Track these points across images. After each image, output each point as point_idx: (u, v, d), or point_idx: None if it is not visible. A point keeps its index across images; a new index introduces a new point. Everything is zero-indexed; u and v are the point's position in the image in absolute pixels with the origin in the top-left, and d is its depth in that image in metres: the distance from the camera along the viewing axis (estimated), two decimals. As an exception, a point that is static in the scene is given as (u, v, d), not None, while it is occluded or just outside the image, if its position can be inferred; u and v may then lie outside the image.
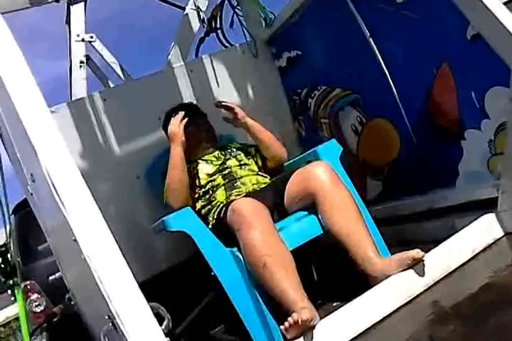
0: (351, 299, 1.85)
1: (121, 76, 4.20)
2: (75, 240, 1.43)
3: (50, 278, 4.36)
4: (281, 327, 1.75)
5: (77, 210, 1.47)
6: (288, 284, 1.89)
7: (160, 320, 1.40)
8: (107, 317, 1.40)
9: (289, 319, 1.72)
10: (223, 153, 2.68)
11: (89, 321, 2.22)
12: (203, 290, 2.35)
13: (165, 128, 2.68)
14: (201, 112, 2.77)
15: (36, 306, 4.33)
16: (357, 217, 2.11)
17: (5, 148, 2.55)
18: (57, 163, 1.52)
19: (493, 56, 1.92)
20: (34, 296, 4.35)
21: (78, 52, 3.96)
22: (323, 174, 2.18)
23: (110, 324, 1.38)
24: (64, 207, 1.44)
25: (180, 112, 2.50)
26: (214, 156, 2.65)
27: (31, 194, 2.09)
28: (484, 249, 2.03)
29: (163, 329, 1.37)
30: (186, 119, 2.49)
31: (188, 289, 2.61)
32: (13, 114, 1.63)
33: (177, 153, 2.44)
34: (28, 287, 4.38)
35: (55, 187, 1.45)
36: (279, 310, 1.91)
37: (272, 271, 1.91)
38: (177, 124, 2.47)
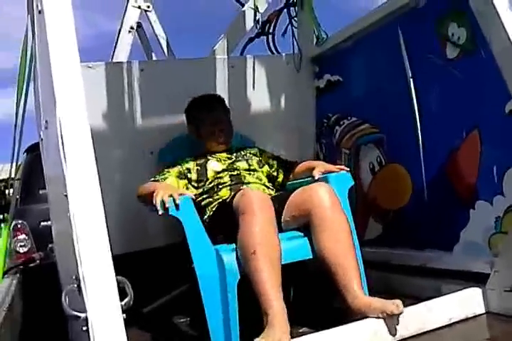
0: (318, 327, 1.87)
1: (165, 52, 4.18)
2: (66, 196, 1.39)
3: (42, 223, 4.34)
4: None
5: (76, 167, 1.44)
6: (269, 279, 1.91)
7: (123, 295, 1.34)
8: (74, 277, 1.36)
9: None
10: (236, 154, 2.67)
11: (60, 276, 2.19)
12: (178, 279, 2.37)
13: (187, 112, 2.74)
14: (226, 108, 2.75)
15: (21, 246, 4.32)
16: (350, 247, 2.07)
17: (33, 90, 2.51)
18: (72, 119, 1.49)
19: None
20: (21, 236, 4.34)
21: (131, 17, 3.97)
22: (325, 197, 2.14)
23: (75, 285, 1.33)
24: (65, 161, 1.40)
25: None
26: (226, 155, 2.64)
27: (42, 139, 2.05)
28: (461, 321, 2.03)
29: (122, 305, 1.32)
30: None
31: (164, 274, 2.63)
32: (46, 60, 1.61)
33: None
34: (19, 226, 4.37)
35: (62, 141, 1.42)
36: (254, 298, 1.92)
37: (257, 260, 1.93)
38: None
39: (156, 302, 2.68)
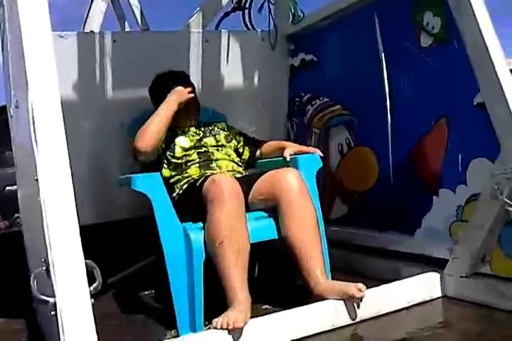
0: (281, 305, 1.99)
1: (139, 23, 4.10)
2: (37, 180, 1.39)
3: (7, 188, 4.27)
4: (212, 324, 1.80)
5: (47, 155, 1.43)
6: (235, 270, 1.95)
7: (91, 280, 1.36)
8: (43, 259, 1.37)
9: (221, 322, 1.77)
10: (204, 129, 2.65)
11: (28, 251, 2.20)
12: (144, 252, 2.40)
13: (151, 91, 2.71)
14: (191, 83, 2.70)
15: (-16, 210, 4.24)
16: (315, 233, 2.13)
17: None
18: (43, 105, 1.48)
19: (489, 129, 1.97)
20: None
21: (105, -16, 3.86)
22: (293, 182, 2.18)
23: (44, 268, 1.35)
24: (37, 148, 1.40)
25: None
26: (193, 130, 2.62)
27: (11, 116, 2.03)
28: (419, 304, 2.12)
29: (91, 290, 1.34)
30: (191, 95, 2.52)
31: (132, 245, 2.66)
32: (17, 31, 1.58)
33: (170, 109, 2.44)
34: (-18, 189, 4.29)
35: (34, 127, 1.41)
36: (219, 286, 1.97)
37: (225, 251, 1.97)
38: (186, 91, 2.50)
39: (121, 273, 2.70)
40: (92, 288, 1.35)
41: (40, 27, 1.57)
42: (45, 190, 1.38)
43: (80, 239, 1.38)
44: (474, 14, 1.95)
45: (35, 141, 1.41)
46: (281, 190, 2.17)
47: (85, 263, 1.38)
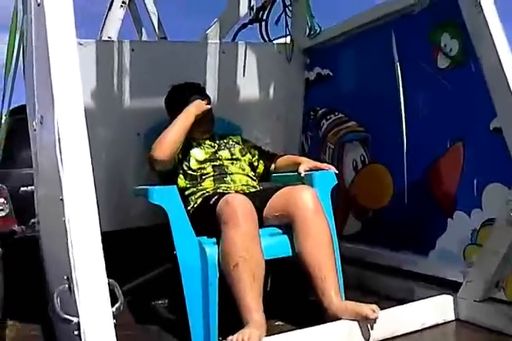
0: (293, 321, 2.06)
1: (156, 30, 4.10)
2: (62, 200, 1.40)
3: (22, 188, 4.27)
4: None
5: (73, 176, 1.43)
6: (250, 292, 1.95)
7: (113, 298, 1.37)
8: (66, 277, 1.38)
9: (237, 338, 1.78)
10: (219, 142, 2.67)
11: (47, 264, 2.20)
12: (160, 260, 2.39)
13: (167, 102, 2.73)
14: (206, 95, 2.73)
15: (-1, 210, 4.24)
16: (329, 252, 2.13)
17: (23, 68, 2.48)
18: (69, 125, 1.48)
19: (506, 154, 1.98)
20: (0, 200, 4.24)
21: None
22: (308, 200, 2.19)
23: (66, 286, 1.36)
24: (62, 168, 1.41)
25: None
26: (208, 143, 2.64)
27: (35, 129, 2.03)
28: (431, 327, 2.12)
29: (113, 311, 1.35)
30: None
31: (147, 253, 2.63)
32: (43, 48, 1.59)
33: (189, 120, 2.47)
34: (-2, 189, 4.29)
35: (60, 148, 1.42)
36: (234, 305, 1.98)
37: (240, 274, 1.97)
38: (204, 103, 2.53)
39: (135, 281, 2.70)
40: (114, 309, 1.36)
41: (67, 40, 1.58)
42: (70, 210, 1.38)
43: (103, 258, 1.39)
44: (492, 38, 1.96)
45: (61, 161, 1.42)
46: (297, 207, 2.17)
47: (108, 282, 1.39)
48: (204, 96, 2.65)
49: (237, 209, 2.06)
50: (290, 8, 3.31)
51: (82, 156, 1.45)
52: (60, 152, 1.42)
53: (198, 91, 2.69)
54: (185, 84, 2.72)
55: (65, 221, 1.39)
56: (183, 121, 2.46)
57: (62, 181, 1.41)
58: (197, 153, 2.56)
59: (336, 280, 2.09)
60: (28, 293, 2.48)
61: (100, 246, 1.39)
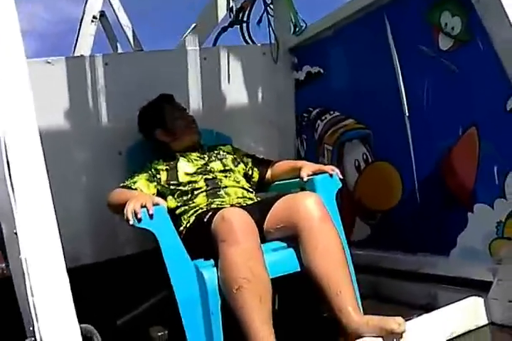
0: None
1: (131, 43, 3.95)
2: (16, 234, 1.17)
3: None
4: None
5: (27, 207, 1.20)
6: (258, 317, 1.74)
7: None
8: (31, 328, 1.15)
9: None
10: (209, 154, 2.48)
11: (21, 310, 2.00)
12: (153, 289, 2.24)
13: (143, 117, 2.59)
14: (180, 106, 2.60)
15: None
16: (342, 263, 1.91)
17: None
18: (21, 150, 1.25)
19: None
20: None
21: (94, 5, 3.75)
22: (313, 208, 1.97)
23: (33, 339, 1.12)
24: (13, 195, 1.17)
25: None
26: (197, 155, 2.46)
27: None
28: (464, 334, 1.93)
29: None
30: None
31: (139, 284, 2.45)
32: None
33: None
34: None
35: (9, 171, 1.19)
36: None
37: (244, 297, 1.75)
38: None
39: (131, 313, 2.50)
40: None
41: (11, 52, 1.37)
42: (26, 248, 1.15)
43: (72, 303, 1.16)
44: (504, 10, 1.78)
45: (11, 186, 1.19)
46: (300, 217, 1.95)
47: (82, 328, 1.16)
48: (176, 107, 2.55)
49: (235, 225, 1.83)
50: (271, 6, 3.17)
51: (38, 181, 1.21)
52: (10, 176, 1.19)
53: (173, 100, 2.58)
54: (158, 97, 2.57)
55: (21, 259, 1.15)
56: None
57: (15, 211, 1.18)
58: (185, 166, 2.37)
59: (353, 293, 1.86)
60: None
61: (67, 288, 1.16)
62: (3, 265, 3.31)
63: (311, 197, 2.02)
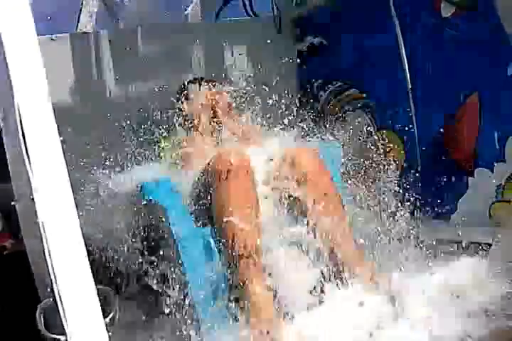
0: None
1: (133, 18, 3.91)
2: (33, 199, 1.22)
3: (13, 203, 4.16)
4: None
5: (42, 170, 1.24)
6: None
7: (105, 307, 1.19)
8: (48, 289, 1.20)
9: None
10: None
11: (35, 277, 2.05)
12: None
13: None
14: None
15: (-9, 226, 4.13)
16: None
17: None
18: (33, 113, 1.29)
19: None
20: None
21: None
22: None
23: (51, 299, 1.18)
24: (29, 162, 1.22)
25: None
26: None
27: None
28: None
29: (107, 322, 1.18)
30: None
31: None
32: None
33: None
34: (-11, 203, 4.18)
35: (24, 141, 1.23)
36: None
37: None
38: None
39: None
40: (107, 320, 1.19)
41: (23, 29, 1.39)
42: (43, 211, 1.21)
43: (88, 263, 1.21)
44: None
45: (27, 155, 1.24)
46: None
47: (98, 289, 1.21)
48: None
49: (233, 162, 1.81)
50: (273, -24, 3.14)
51: (52, 148, 1.25)
52: (26, 145, 1.23)
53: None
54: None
55: (39, 225, 1.21)
56: None
57: (31, 178, 1.23)
58: None
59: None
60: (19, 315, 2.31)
61: (83, 248, 1.21)
62: (12, 241, 3.39)
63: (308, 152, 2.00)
